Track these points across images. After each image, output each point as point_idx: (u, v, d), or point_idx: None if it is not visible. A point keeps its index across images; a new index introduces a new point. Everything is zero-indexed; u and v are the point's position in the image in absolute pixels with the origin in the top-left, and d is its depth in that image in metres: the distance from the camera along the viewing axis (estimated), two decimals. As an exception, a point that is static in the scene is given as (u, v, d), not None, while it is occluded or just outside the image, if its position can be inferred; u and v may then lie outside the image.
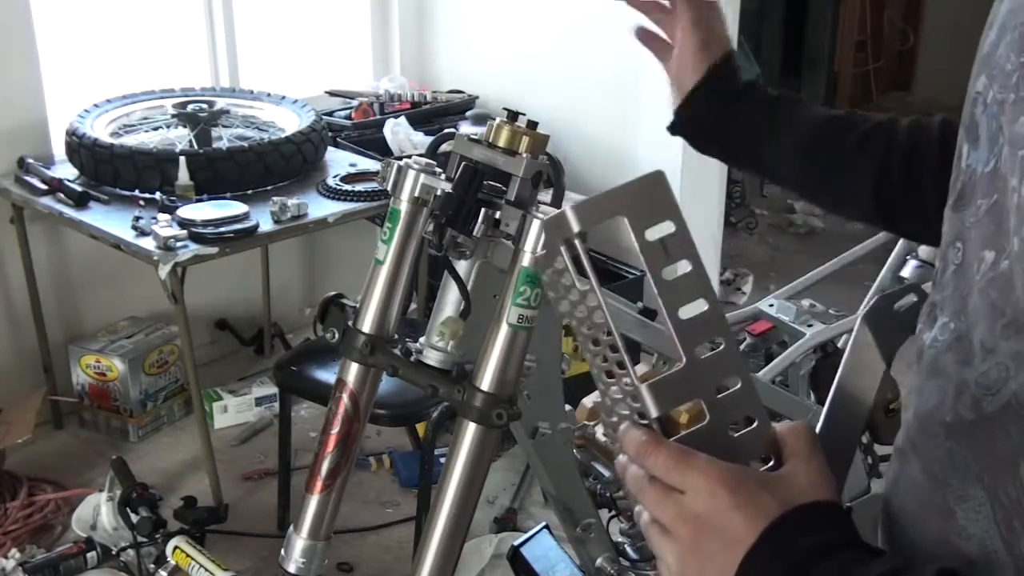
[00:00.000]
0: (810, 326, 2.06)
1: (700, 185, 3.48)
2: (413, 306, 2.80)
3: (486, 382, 0.95)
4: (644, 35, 1.18)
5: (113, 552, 2.37)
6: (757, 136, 1.09)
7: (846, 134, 1.03)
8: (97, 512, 2.44)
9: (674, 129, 1.16)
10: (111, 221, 2.62)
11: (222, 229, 2.53)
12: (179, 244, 2.47)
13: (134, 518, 2.22)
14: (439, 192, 1.34)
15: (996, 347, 0.60)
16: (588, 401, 1.38)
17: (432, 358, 1.02)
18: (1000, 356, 0.59)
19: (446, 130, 3.39)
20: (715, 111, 1.10)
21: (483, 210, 1.27)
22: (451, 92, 3.83)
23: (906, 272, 2.06)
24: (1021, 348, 0.58)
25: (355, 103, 3.57)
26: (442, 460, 1.07)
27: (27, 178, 2.81)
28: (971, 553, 0.61)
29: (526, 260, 0.99)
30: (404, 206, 1.26)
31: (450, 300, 1.07)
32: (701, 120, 1.12)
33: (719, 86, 1.10)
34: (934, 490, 0.65)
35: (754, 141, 1.09)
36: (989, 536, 0.60)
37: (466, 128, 3.44)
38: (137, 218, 2.58)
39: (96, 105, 3.00)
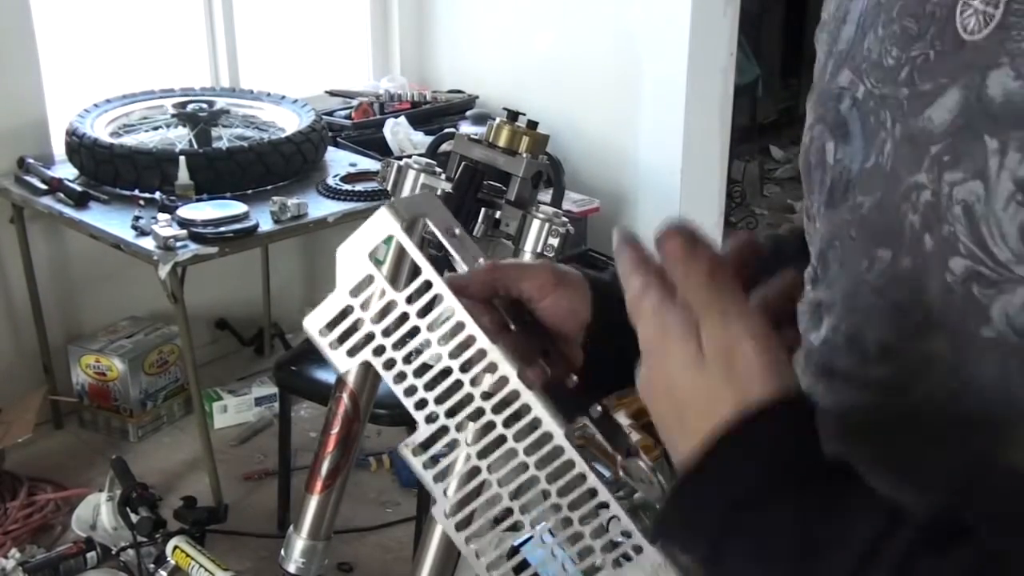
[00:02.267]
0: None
1: (700, 185, 3.48)
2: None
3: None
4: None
5: (113, 552, 2.37)
6: None
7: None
8: (97, 512, 2.44)
9: None
10: (111, 221, 2.62)
11: (222, 229, 2.54)
12: (179, 244, 2.47)
13: (134, 518, 2.22)
14: (439, 192, 1.34)
15: (898, 347, 0.58)
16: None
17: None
18: (903, 358, 0.57)
19: (446, 130, 3.39)
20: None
21: (483, 210, 1.28)
22: (451, 92, 3.83)
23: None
24: (931, 348, 0.56)
25: (355, 103, 3.57)
26: (442, 460, 1.07)
27: (27, 178, 2.81)
28: None
29: (526, 260, 0.99)
30: (404, 206, 1.26)
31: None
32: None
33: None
34: None
35: None
36: None
37: (466, 128, 3.44)
38: (137, 218, 2.58)
39: (96, 105, 3.00)
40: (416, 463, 0.67)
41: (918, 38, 0.58)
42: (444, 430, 0.66)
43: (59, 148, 2.93)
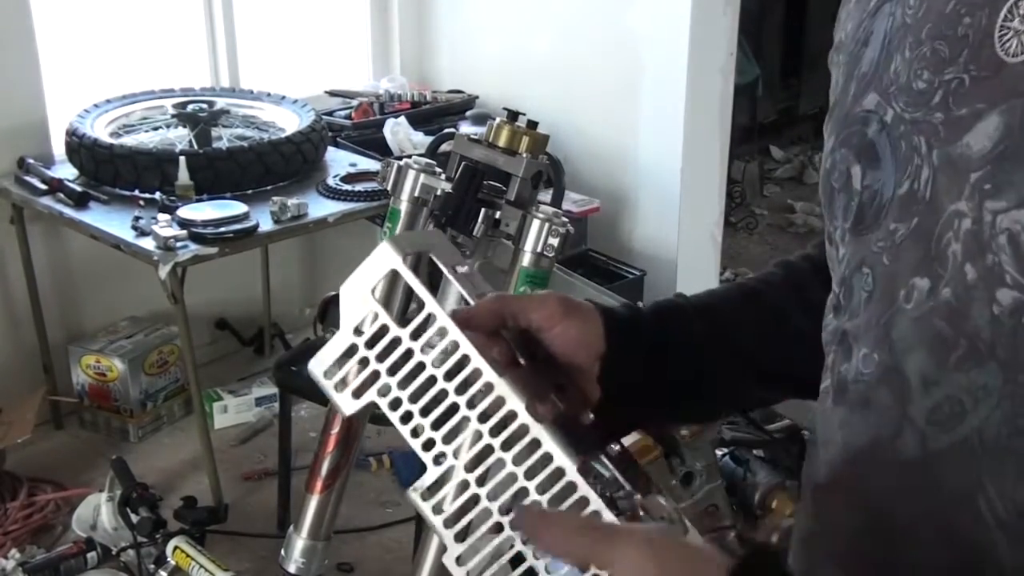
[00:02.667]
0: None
1: (700, 185, 3.48)
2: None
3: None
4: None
5: (113, 552, 2.37)
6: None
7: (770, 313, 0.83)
8: (97, 512, 2.44)
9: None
10: (111, 221, 2.62)
11: (222, 229, 2.54)
12: (179, 244, 2.47)
13: (134, 518, 2.22)
14: (439, 192, 1.34)
15: (942, 380, 0.56)
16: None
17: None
18: (950, 389, 0.56)
19: (446, 130, 3.39)
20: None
21: (483, 210, 1.28)
22: (451, 92, 3.83)
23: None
24: (982, 380, 0.54)
25: (355, 103, 3.57)
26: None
27: (27, 178, 2.81)
28: None
29: (526, 260, 0.99)
30: (404, 206, 1.26)
31: (450, 300, 1.07)
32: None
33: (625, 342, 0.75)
34: (877, 532, 0.61)
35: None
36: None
37: (466, 128, 3.44)
38: (137, 218, 2.58)
39: (96, 105, 3.00)
40: (426, 508, 0.64)
41: (950, 61, 0.57)
42: (452, 471, 0.63)
43: (59, 148, 2.93)
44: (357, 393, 0.66)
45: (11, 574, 2.32)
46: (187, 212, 2.58)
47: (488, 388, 0.63)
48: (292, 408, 2.67)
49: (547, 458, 0.62)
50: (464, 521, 0.64)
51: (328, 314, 1.02)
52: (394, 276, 0.66)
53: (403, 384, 0.65)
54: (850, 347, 0.64)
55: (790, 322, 0.79)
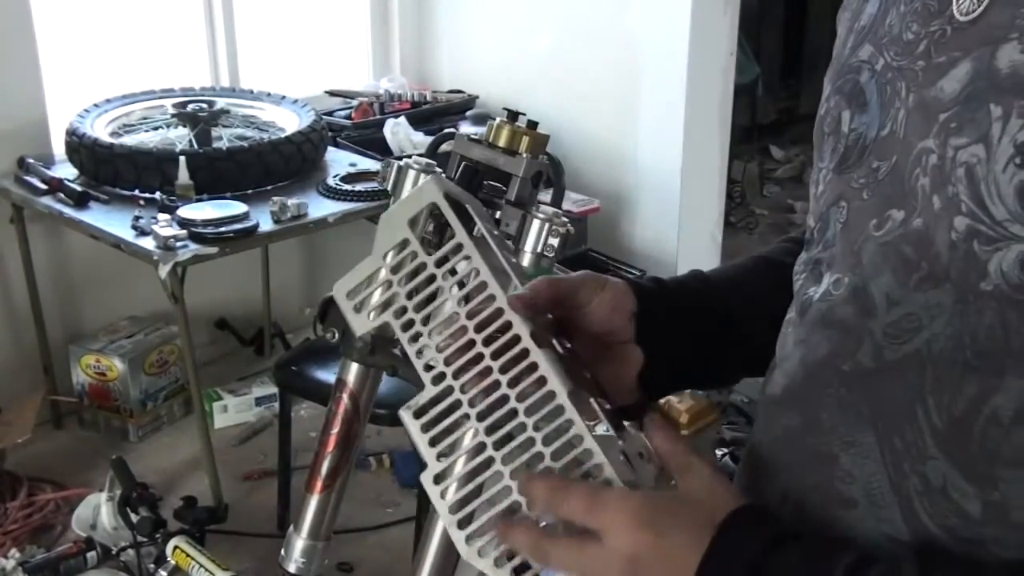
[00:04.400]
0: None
1: (700, 185, 3.48)
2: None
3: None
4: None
5: (113, 552, 2.37)
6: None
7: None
8: (97, 512, 2.44)
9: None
10: (111, 221, 2.62)
11: (222, 229, 2.54)
12: (179, 244, 2.47)
13: (134, 518, 2.22)
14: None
15: (903, 299, 0.62)
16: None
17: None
18: (910, 307, 0.61)
19: (446, 130, 3.39)
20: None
21: (483, 210, 1.28)
22: (451, 92, 3.83)
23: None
24: (936, 299, 0.60)
25: (355, 103, 3.57)
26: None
27: (27, 178, 2.81)
28: (852, 495, 0.64)
29: (526, 260, 0.99)
30: (404, 206, 1.26)
31: (450, 300, 1.07)
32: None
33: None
34: (817, 437, 0.66)
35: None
36: (875, 478, 0.63)
37: (466, 128, 3.44)
38: (137, 218, 2.58)
39: (96, 105, 3.00)
40: (414, 426, 0.66)
41: (937, 14, 0.62)
42: (449, 390, 0.65)
43: (59, 148, 2.93)
44: (374, 312, 0.68)
45: (11, 574, 2.32)
46: (187, 212, 2.58)
47: (498, 313, 0.65)
48: (292, 408, 2.67)
49: (542, 381, 0.63)
50: (451, 439, 0.66)
51: (328, 314, 1.01)
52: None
53: (419, 307, 0.68)
54: (821, 273, 0.69)
55: None
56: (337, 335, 1.04)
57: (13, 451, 2.80)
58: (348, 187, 2.87)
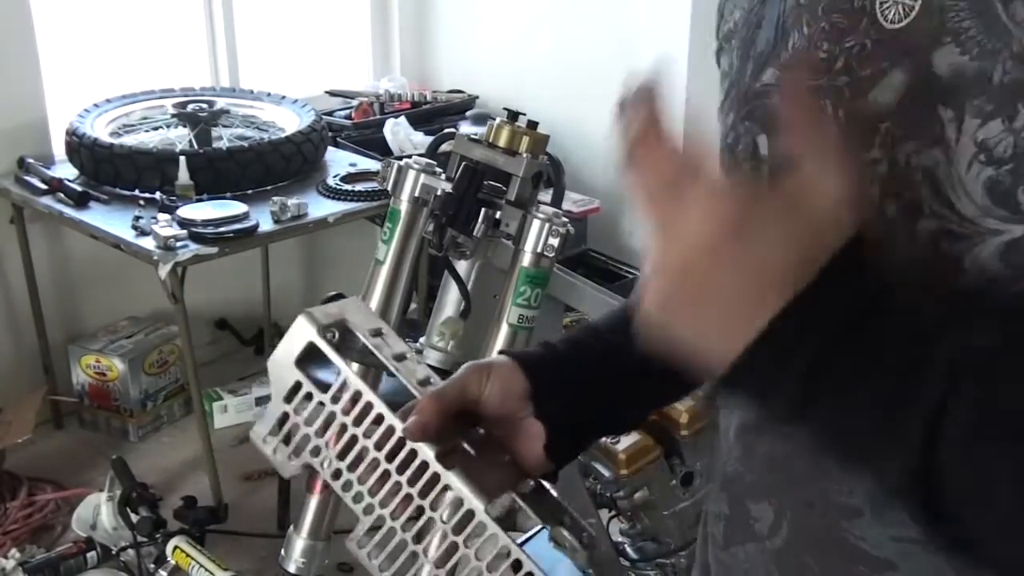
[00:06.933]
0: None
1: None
2: (413, 306, 2.80)
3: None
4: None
5: (113, 552, 2.37)
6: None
7: None
8: (97, 512, 2.44)
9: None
10: (111, 221, 2.62)
11: (222, 229, 2.54)
12: (179, 244, 2.47)
13: (134, 518, 2.22)
14: (439, 192, 1.34)
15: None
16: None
17: (432, 358, 1.02)
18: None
19: (446, 130, 3.39)
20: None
21: (483, 210, 1.28)
22: (451, 92, 3.83)
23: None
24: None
25: (355, 103, 3.57)
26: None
27: (27, 178, 2.81)
28: (857, 505, 0.63)
29: (526, 260, 0.99)
30: (404, 206, 1.26)
31: (450, 300, 1.08)
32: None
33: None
34: (808, 458, 0.65)
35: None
36: (879, 487, 0.60)
37: (466, 128, 3.44)
38: (137, 218, 2.58)
39: (96, 105, 3.00)
40: (362, 554, 0.68)
41: (849, 31, 0.62)
42: (382, 520, 0.68)
43: (59, 148, 2.93)
44: (293, 455, 0.70)
45: (11, 574, 2.32)
46: (187, 212, 2.58)
47: (402, 442, 0.67)
48: (292, 408, 2.67)
49: (459, 502, 0.66)
50: (401, 559, 0.68)
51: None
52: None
53: (330, 445, 0.69)
54: None
55: None
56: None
57: (13, 451, 2.81)
58: (348, 187, 2.87)
